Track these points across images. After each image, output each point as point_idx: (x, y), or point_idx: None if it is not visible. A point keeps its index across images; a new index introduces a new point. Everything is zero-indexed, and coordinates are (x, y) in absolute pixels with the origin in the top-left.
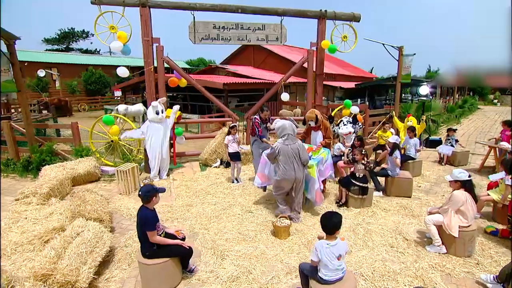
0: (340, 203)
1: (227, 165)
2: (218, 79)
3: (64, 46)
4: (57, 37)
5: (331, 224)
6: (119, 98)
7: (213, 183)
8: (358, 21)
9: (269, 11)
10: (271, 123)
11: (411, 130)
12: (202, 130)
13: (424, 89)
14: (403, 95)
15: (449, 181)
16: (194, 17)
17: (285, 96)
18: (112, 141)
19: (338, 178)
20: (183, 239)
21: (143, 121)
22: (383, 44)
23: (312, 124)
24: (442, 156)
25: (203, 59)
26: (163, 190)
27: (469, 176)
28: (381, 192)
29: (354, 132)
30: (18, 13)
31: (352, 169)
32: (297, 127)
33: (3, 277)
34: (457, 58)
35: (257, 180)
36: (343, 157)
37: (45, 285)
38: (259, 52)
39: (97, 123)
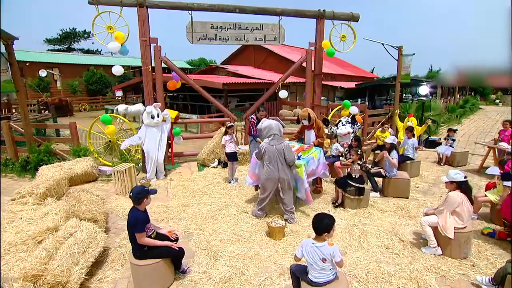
0: (337, 203)
1: (225, 165)
2: (218, 79)
3: (66, 46)
4: (59, 37)
5: (320, 225)
6: (120, 98)
7: (210, 183)
8: (357, 21)
9: (267, 11)
10: None
11: (409, 130)
12: (202, 130)
13: (424, 89)
14: (404, 95)
15: (445, 182)
16: (191, 17)
17: (283, 94)
18: (110, 141)
19: (335, 178)
20: (176, 239)
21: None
22: (383, 44)
23: (305, 122)
24: (441, 156)
25: (204, 59)
26: (154, 191)
27: (465, 177)
28: (378, 193)
29: (352, 132)
30: (18, 13)
31: (349, 169)
32: (283, 127)
33: None
34: (457, 58)
35: (248, 179)
36: (341, 158)
37: (35, 286)
38: (259, 52)
39: (95, 123)
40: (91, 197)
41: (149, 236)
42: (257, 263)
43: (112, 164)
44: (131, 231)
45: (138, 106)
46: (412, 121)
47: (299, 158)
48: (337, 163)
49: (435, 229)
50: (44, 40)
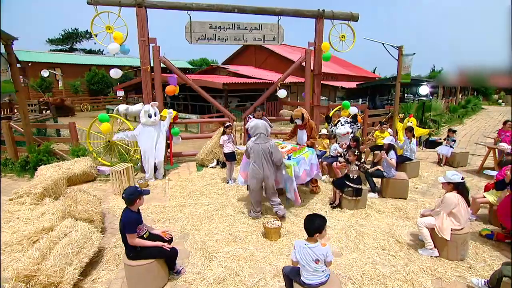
0: (334, 204)
1: (224, 165)
2: (218, 79)
3: (68, 46)
4: (61, 37)
5: (312, 226)
6: (121, 98)
7: (208, 184)
8: (356, 21)
9: (266, 10)
10: None
11: (409, 130)
12: (202, 130)
13: (424, 89)
14: (405, 95)
15: (442, 183)
16: (190, 17)
17: (282, 93)
18: (109, 141)
19: (333, 179)
20: (170, 240)
21: None
22: (383, 44)
23: (299, 122)
24: (441, 157)
25: (205, 59)
26: (147, 192)
27: (463, 178)
28: (376, 194)
29: (352, 132)
30: (18, 14)
31: (346, 170)
32: (271, 127)
33: None
34: (457, 58)
35: (239, 178)
36: (339, 158)
37: (27, 286)
38: (260, 52)
39: (94, 123)
40: (88, 197)
41: (141, 237)
42: (252, 264)
43: (111, 164)
44: (123, 231)
45: (139, 106)
46: (412, 122)
47: (289, 158)
48: (335, 164)
49: (431, 230)
50: (46, 40)
